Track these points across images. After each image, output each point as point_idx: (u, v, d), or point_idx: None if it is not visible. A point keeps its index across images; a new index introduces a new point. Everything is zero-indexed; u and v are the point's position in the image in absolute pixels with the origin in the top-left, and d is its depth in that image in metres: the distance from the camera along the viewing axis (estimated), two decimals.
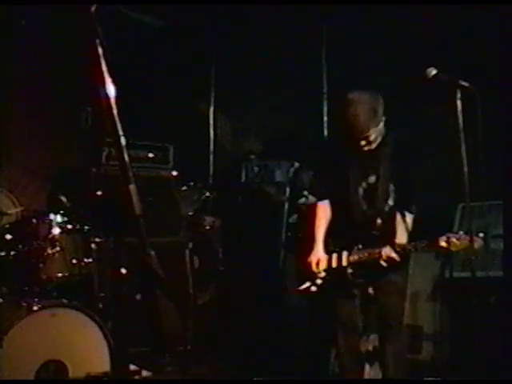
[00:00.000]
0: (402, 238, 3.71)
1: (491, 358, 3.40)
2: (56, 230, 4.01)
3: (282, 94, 5.92)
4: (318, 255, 3.84)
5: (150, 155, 5.20)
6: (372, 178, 3.78)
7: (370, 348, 4.43)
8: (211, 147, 6.22)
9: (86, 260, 4.08)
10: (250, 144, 6.16)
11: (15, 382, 3.54)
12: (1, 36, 4.85)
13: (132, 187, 1.73)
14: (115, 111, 1.75)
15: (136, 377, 4.18)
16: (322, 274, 3.84)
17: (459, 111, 3.14)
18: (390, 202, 3.78)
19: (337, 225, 3.90)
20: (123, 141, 1.75)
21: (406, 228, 3.74)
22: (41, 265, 3.93)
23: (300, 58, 5.85)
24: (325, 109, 5.82)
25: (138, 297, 4.49)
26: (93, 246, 4.22)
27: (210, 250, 5.44)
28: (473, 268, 3.17)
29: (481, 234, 3.50)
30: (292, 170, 5.45)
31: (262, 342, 4.98)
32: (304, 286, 3.90)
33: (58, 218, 4.06)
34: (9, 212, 4.39)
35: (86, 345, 3.74)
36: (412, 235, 3.73)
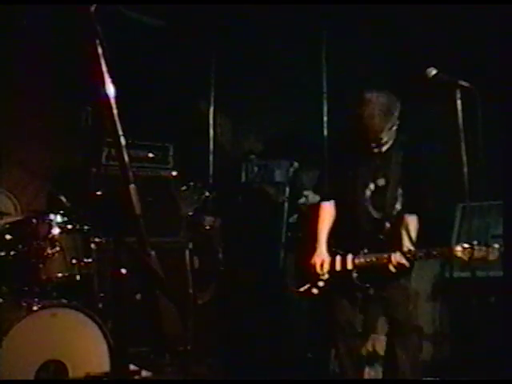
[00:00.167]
0: (408, 242, 3.67)
1: (491, 357, 3.40)
2: (56, 230, 4.00)
3: (281, 94, 5.92)
4: (322, 257, 3.79)
5: (150, 155, 5.20)
6: (381, 181, 3.74)
7: (370, 349, 4.43)
8: (211, 147, 6.21)
9: (85, 260, 4.08)
10: (250, 144, 6.16)
11: (15, 382, 3.54)
12: (1, 36, 4.85)
13: (132, 187, 1.72)
14: (115, 111, 1.74)
15: (136, 377, 4.18)
16: (325, 277, 3.79)
17: (459, 111, 3.14)
18: (398, 206, 3.75)
19: (340, 226, 3.85)
20: (123, 141, 1.74)
21: (413, 233, 3.71)
22: (41, 265, 3.92)
23: (300, 58, 5.85)
24: (325, 109, 5.82)
25: (138, 297, 4.48)
26: (93, 246, 4.22)
27: (210, 250, 5.43)
28: (473, 268, 3.17)
29: (496, 245, 3.41)
30: (292, 169, 5.45)
31: (262, 342, 4.98)
32: (305, 288, 3.87)
33: (58, 218, 4.05)
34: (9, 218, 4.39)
35: (86, 345, 3.74)
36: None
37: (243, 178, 5.59)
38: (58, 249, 3.98)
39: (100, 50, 1.75)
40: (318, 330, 4.71)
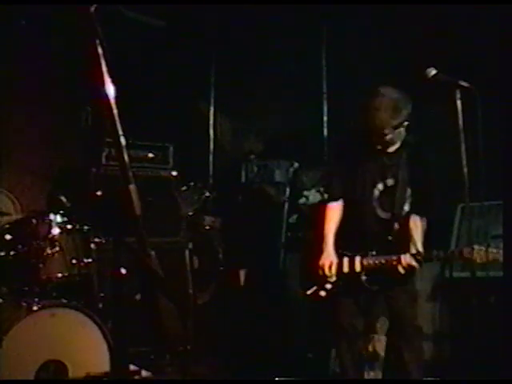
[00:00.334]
0: (417, 244, 3.64)
1: (491, 357, 3.40)
2: (56, 230, 4.00)
3: (281, 94, 5.92)
4: (330, 258, 3.73)
5: (150, 155, 5.20)
6: (390, 181, 3.71)
7: (370, 349, 4.42)
8: (211, 147, 6.22)
9: (85, 260, 4.07)
10: (250, 144, 6.16)
11: (15, 381, 3.54)
12: (1, 36, 4.85)
13: (132, 187, 1.72)
14: (115, 111, 1.74)
15: (136, 377, 4.18)
16: (333, 279, 3.75)
17: (459, 111, 3.13)
18: (406, 207, 3.73)
19: (348, 227, 3.80)
20: (123, 141, 1.74)
21: (422, 234, 3.69)
22: (40, 265, 3.92)
23: (300, 58, 5.85)
24: (325, 109, 5.82)
25: (138, 297, 4.48)
26: (93, 246, 4.21)
27: (210, 250, 5.43)
28: (473, 268, 3.17)
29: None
30: (292, 170, 5.45)
31: (262, 341, 4.98)
32: (312, 290, 3.84)
33: (58, 218, 4.05)
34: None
35: (86, 345, 3.74)
36: None
37: (243, 178, 5.59)
38: (57, 249, 3.98)
39: (100, 50, 1.75)
40: (318, 330, 4.70)
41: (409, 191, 3.71)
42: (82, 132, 5.05)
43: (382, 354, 4.23)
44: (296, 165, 5.47)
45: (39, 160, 5.28)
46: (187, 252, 5.08)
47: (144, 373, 4.27)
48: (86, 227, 4.16)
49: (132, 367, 4.08)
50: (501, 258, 3.34)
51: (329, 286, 3.77)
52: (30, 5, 4.81)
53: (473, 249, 3.38)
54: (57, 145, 5.41)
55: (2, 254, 3.95)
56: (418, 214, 3.70)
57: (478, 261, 3.38)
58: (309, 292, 3.83)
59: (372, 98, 3.61)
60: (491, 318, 3.57)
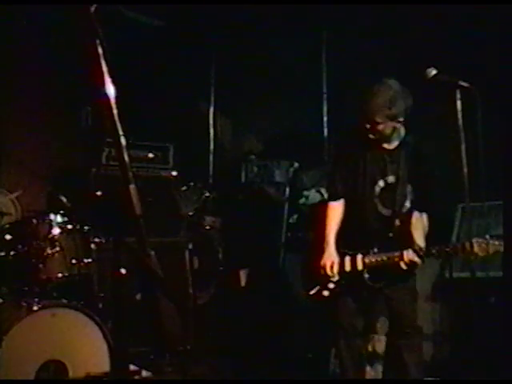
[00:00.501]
0: (419, 240, 3.64)
1: (491, 357, 3.40)
2: (56, 230, 4.00)
3: (281, 94, 5.92)
4: (332, 258, 3.72)
5: (150, 155, 5.20)
6: (391, 178, 3.71)
7: (370, 349, 4.42)
8: (211, 147, 6.22)
9: (85, 260, 4.08)
10: (250, 144, 6.16)
11: (15, 381, 3.54)
12: (1, 36, 4.85)
13: (132, 187, 1.72)
14: (115, 111, 1.74)
15: (136, 377, 4.18)
16: (335, 278, 3.73)
17: (459, 111, 3.13)
18: (407, 204, 3.73)
19: (349, 226, 3.80)
20: (123, 141, 1.74)
21: (423, 230, 3.68)
22: (41, 265, 3.92)
23: (300, 58, 5.85)
24: (325, 109, 5.82)
25: (138, 297, 4.48)
26: (93, 246, 4.21)
27: (210, 250, 5.43)
28: (473, 268, 3.17)
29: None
30: (292, 170, 5.45)
31: (262, 341, 4.98)
32: (315, 291, 3.82)
33: (58, 218, 4.05)
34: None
35: (86, 345, 3.74)
36: None
37: (243, 178, 5.59)
38: (58, 249, 3.98)
39: (100, 50, 1.75)
40: (318, 329, 4.70)
41: (409, 188, 3.71)
42: (82, 132, 5.05)
43: (382, 353, 4.23)
44: (296, 165, 5.47)
45: (39, 160, 5.28)
46: (187, 252, 5.09)
47: (144, 373, 4.27)
48: (86, 227, 4.16)
49: (132, 367, 4.08)
50: (502, 250, 3.35)
51: (332, 286, 3.76)
52: (30, 5, 4.81)
53: (474, 241, 3.37)
54: (57, 145, 5.41)
55: (2, 254, 3.95)
56: (419, 210, 3.70)
57: (480, 253, 3.37)
58: (312, 292, 3.82)
59: (373, 84, 3.62)
60: (491, 318, 3.57)
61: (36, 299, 3.78)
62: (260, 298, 5.20)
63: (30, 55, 5.25)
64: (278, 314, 5.08)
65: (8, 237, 3.99)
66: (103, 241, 4.26)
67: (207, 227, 5.46)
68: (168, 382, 4.49)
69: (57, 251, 3.98)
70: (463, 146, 3.13)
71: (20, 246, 3.96)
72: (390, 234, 3.69)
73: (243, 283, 5.35)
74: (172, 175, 5.23)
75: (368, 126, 3.62)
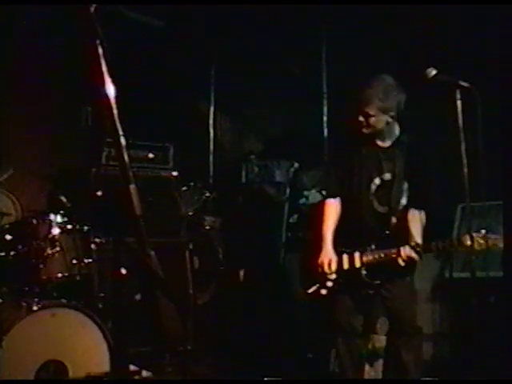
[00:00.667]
0: (416, 237, 3.65)
1: (491, 357, 3.40)
2: (56, 230, 4.01)
3: (281, 94, 5.92)
4: (329, 256, 3.73)
5: (150, 155, 5.20)
6: (387, 175, 3.72)
7: (370, 348, 4.42)
8: (211, 147, 6.22)
9: (85, 260, 4.08)
10: (250, 144, 6.16)
11: (15, 381, 3.54)
12: (1, 36, 4.85)
13: (132, 187, 1.72)
14: (115, 111, 1.74)
15: (136, 377, 4.18)
16: (333, 276, 3.74)
17: (459, 111, 3.13)
18: (404, 201, 3.74)
19: (346, 224, 3.80)
20: (123, 141, 1.74)
21: (420, 227, 3.69)
22: (41, 265, 3.92)
23: (300, 58, 5.85)
24: (325, 109, 5.82)
25: (138, 297, 4.48)
26: (93, 246, 4.22)
27: (210, 250, 5.43)
28: (473, 268, 3.17)
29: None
30: (292, 170, 5.45)
31: (262, 342, 4.98)
32: (313, 289, 3.83)
33: (58, 218, 4.05)
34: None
35: (86, 345, 3.74)
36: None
37: (243, 178, 5.59)
38: (58, 249, 3.98)
39: (100, 51, 1.74)
40: (318, 329, 4.70)
41: (406, 185, 3.72)
42: (81, 132, 5.05)
43: (382, 353, 4.23)
44: (296, 165, 5.47)
45: (39, 160, 5.28)
46: (187, 252, 5.09)
47: (144, 373, 4.27)
48: (85, 227, 4.16)
49: (132, 367, 4.08)
50: (500, 244, 3.35)
51: (329, 284, 3.76)
52: (30, 5, 4.81)
53: (472, 236, 3.38)
54: (57, 145, 5.41)
55: (2, 254, 3.95)
56: (415, 207, 3.71)
57: (477, 248, 3.38)
58: (310, 291, 3.82)
59: (367, 78, 3.68)
60: (491, 318, 3.57)
61: (36, 299, 3.78)
62: (260, 298, 5.20)
63: (30, 55, 5.25)
64: (278, 314, 5.08)
65: (8, 237, 3.99)
66: (103, 241, 4.26)
67: (207, 227, 5.46)
68: (168, 382, 4.49)
69: (57, 251, 3.98)
70: (463, 146, 3.12)
71: (20, 246, 3.96)
72: (387, 232, 3.70)
73: (242, 282, 5.35)
74: (172, 175, 5.23)
75: (361, 118, 3.64)
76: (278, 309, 5.09)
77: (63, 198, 4.38)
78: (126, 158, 1.74)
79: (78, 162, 5.17)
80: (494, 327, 3.66)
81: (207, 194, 5.52)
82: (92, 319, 3.76)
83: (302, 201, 5.29)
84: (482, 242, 3.37)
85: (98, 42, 1.74)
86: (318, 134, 5.77)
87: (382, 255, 3.63)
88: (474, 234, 3.39)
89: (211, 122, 6.26)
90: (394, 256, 3.58)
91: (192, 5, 5.62)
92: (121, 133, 1.74)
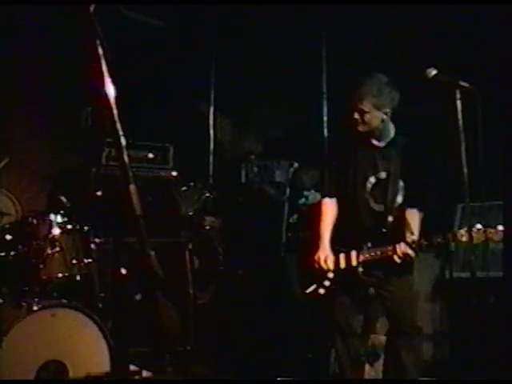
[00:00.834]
0: (413, 235, 3.66)
1: (491, 357, 3.40)
2: (56, 230, 4.00)
3: (281, 94, 5.92)
4: (326, 252, 3.75)
5: (150, 155, 5.20)
6: (382, 174, 3.74)
7: (370, 349, 4.42)
8: (211, 147, 6.22)
9: (85, 260, 4.08)
10: (250, 144, 6.16)
11: (15, 381, 3.54)
12: (1, 36, 4.85)
13: (132, 187, 1.72)
14: (115, 111, 1.74)
15: (136, 377, 4.18)
16: (330, 275, 3.76)
17: (459, 111, 3.14)
18: (399, 199, 3.75)
19: (342, 223, 3.82)
20: (123, 141, 1.74)
21: (416, 225, 3.70)
22: (41, 265, 3.92)
23: (300, 58, 5.85)
24: (325, 109, 5.82)
25: (138, 297, 4.48)
26: (93, 246, 4.21)
27: (210, 250, 5.43)
28: (473, 268, 3.17)
29: (500, 227, 3.43)
30: (292, 170, 5.45)
31: (262, 341, 4.98)
32: (311, 289, 3.83)
33: (58, 218, 4.05)
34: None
35: (86, 345, 3.74)
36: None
37: (243, 178, 5.59)
38: (58, 249, 3.98)
39: (100, 50, 1.75)
40: (318, 330, 4.70)
41: (401, 184, 3.74)
42: (82, 132, 5.05)
43: (382, 353, 4.23)
44: (296, 165, 5.47)
45: (39, 160, 5.28)
46: (187, 252, 5.08)
47: (144, 373, 4.27)
48: (86, 227, 4.16)
49: (132, 367, 4.08)
50: (496, 238, 3.36)
51: (327, 284, 3.77)
52: (30, 5, 4.81)
53: (466, 231, 3.40)
54: (57, 145, 5.41)
55: (2, 254, 3.95)
56: (411, 206, 3.72)
57: (476, 242, 3.37)
58: (308, 291, 3.83)
59: (361, 76, 3.73)
60: (491, 318, 3.57)
61: (36, 299, 3.78)
62: (260, 298, 5.20)
63: (30, 55, 5.25)
64: (277, 314, 5.08)
65: (8, 237, 3.99)
66: (103, 241, 4.26)
67: (207, 227, 5.46)
68: (168, 382, 4.49)
69: (57, 251, 3.98)
70: (463, 146, 3.13)
71: (20, 246, 3.96)
72: (383, 230, 3.71)
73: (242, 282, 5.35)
74: (172, 175, 5.23)
75: (356, 116, 3.67)
76: (277, 309, 5.08)
77: (63, 198, 4.38)
78: (125, 158, 1.74)
79: (77, 162, 5.17)
80: (494, 327, 3.67)
81: (207, 194, 5.52)
82: (92, 319, 3.76)
83: (302, 201, 5.29)
84: (478, 236, 3.38)
85: (98, 42, 1.74)
86: (318, 133, 5.77)
87: (379, 253, 3.65)
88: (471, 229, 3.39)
89: (211, 122, 6.26)
90: (390, 253, 3.60)
91: (192, 5, 5.62)
92: (121, 133, 1.74)
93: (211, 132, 6.25)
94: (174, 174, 5.24)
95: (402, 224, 3.71)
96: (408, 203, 3.74)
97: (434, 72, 3.25)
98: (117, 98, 1.76)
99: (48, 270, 3.95)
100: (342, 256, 3.74)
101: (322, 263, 3.74)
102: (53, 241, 3.98)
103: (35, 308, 3.67)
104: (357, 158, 3.80)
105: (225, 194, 5.71)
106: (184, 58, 6.09)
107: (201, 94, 6.29)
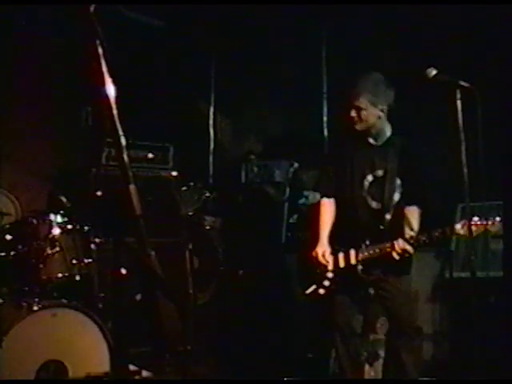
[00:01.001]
0: (410, 230, 3.67)
1: (491, 357, 3.40)
2: (56, 230, 4.00)
3: (281, 94, 5.92)
4: (324, 247, 3.77)
5: (150, 155, 5.20)
6: (379, 172, 3.76)
7: (370, 349, 4.42)
8: (211, 147, 6.22)
9: (85, 260, 4.08)
10: (250, 144, 6.16)
11: (15, 382, 3.54)
12: (1, 36, 4.85)
13: (132, 187, 1.72)
14: (115, 111, 1.74)
15: (136, 377, 4.18)
16: (330, 275, 3.76)
17: (459, 111, 3.14)
18: (396, 197, 3.76)
19: (341, 222, 3.84)
20: (123, 141, 1.74)
21: (415, 223, 3.71)
22: (41, 265, 3.92)
23: (300, 58, 5.85)
24: (325, 109, 5.82)
25: (138, 297, 4.48)
26: (93, 246, 4.21)
27: (210, 250, 5.43)
28: (473, 268, 3.17)
29: (498, 218, 3.44)
30: (292, 170, 5.45)
31: (262, 342, 4.98)
32: (311, 289, 3.84)
33: (58, 218, 4.05)
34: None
35: (86, 345, 3.74)
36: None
37: (243, 178, 5.59)
38: (57, 249, 3.98)
39: (100, 50, 1.75)
40: (318, 330, 4.70)
41: (398, 181, 3.74)
42: (82, 132, 5.05)
43: (382, 354, 4.23)
44: (296, 165, 5.47)
45: (39, 160, 5.28)
46: (187, 252, 5.08)
47: (144, 373, 4.27)
48: (86, 227, 4.16)
49: (132, 367, 4.09)
50: (493, 229, 3.37)
51: (327, 283, 3.77)
52: (30, 5, 4.81)
53: (464, 223, 3.41)
54: (57, 145, 5.41)
55: (3, 254, 3.95)
56: (409, 204, 3.73)
57: (475, 233, 3.37)
58: (308, 291, 3.83)
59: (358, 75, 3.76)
60: (491, 318, 3.57)
61: (36, 299, 3.78)
62: (260, 298, 5.20)
63: (30, 55, 5.25)
64: (277, 314, 5.08)
65: (8, 237, 3.99)
66: (103, 241, 4.26)
67: (207, 227, 5.46)
68: (168, 382, 4.49)
69: (57, 251, 3.98)
70: (463, 146, 3.13)
71: (20, 246, 3.96)
72: (381, 227, 3.72)
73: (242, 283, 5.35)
74: (172, 175, 5.22)
75: (353, 113, 3.69)
76: (277, 309, 5.08)
77: (63, 198, 4.38)
78: (125, 158, 1.74)
79: (77, 162, 5.17)
80: (494, 327, 3.67)
81: (207, 194, 5.51)
82: (92, 319, 3.76)
83: (302, 201, 5.28)
84: (476, 228, 3.38)
85: (98, 41, 1.74)
86: (317, 134, 5.77)
87: (377, 250, 3.66)
88: (467, 221, 3.39)
89: (211, 122, 6.26)
90: (388, 250, 3.61)
91: (192, 5, 5.62)
92: (121, 133, 1.74)
93: (211, 132, 6.25)
94: (174, 173, 5.23)
95: (399, 221, 3.72)
96: (406, 201, 3.75)
97: (434, 72, 3.25)
98: (117, 98, 1.76)
99: (48, 270, 3.95)
100: (341, 255, 3.76)
101: (320, 258, 3.76)
102: (53, 241, 3.98)
103: (35, 308, 3.67)
104: (354, 157, 3.82)
105: (225, 194, 5.71)
106: (184, 58, 6.09)
107: (201, 93, 6.29)
